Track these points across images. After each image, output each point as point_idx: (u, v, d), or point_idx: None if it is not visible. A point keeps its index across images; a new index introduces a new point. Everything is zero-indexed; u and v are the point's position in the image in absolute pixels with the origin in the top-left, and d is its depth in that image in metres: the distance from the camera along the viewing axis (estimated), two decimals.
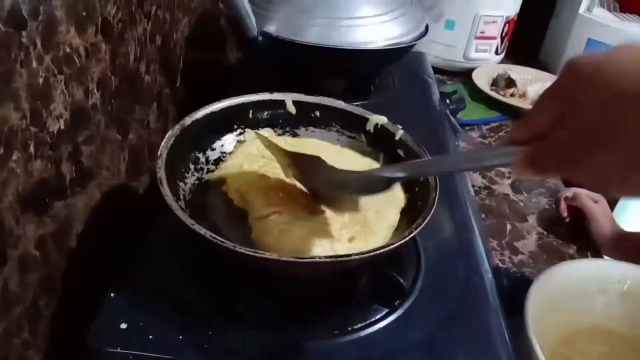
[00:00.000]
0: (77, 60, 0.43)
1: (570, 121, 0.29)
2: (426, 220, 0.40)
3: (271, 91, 0.54)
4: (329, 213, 0.45)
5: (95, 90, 0.47)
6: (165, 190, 0.39)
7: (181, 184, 0.46)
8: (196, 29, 0.73)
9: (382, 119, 0.53)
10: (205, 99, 0.51)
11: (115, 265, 0.43)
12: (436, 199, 0.42)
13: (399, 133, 0.51)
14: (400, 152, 0.51)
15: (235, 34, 0.71)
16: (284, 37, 0.63)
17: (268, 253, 0.36)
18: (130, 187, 0.58)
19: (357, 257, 0.39)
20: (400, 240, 0.39)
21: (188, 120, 0.47)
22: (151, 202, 0.57)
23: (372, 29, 0.67)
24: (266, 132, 0.54)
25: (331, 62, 0.67)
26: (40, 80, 0.38)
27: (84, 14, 0.43)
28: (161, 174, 0.41)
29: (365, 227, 0.45)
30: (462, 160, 0.43)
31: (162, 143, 0.43)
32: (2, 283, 0.37)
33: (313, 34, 0.64)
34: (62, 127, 0.42)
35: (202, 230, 0.36)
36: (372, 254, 0.39)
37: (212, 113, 0.50)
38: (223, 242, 0.36)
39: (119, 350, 0.37)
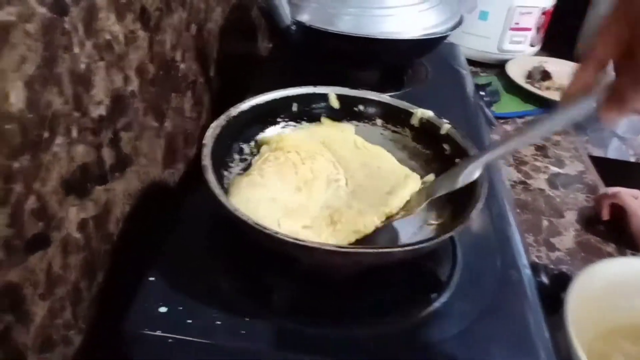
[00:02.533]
0: (116, 47, 0.43)
1: None
2: (471, 217, 0.39)
3: (314, 84, 0.54)
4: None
5: (134, 77, 0.47)
6: (210, 177, 0.40)
7: (225, 173, 0.47)
8: (229, 19, 0.74)
9: (428, 113, 0.52)
10: (237, 88, 0.51)
11: (153, 250, 0.44)
12: (483, 194, 0.42)
13: (445, 127, 0.50)
14: (446, 146, 0.50)
15: (269, 23, 0.71)
16: (317, 26, 0.63)
17: (308, 241, 0.36)
18: (166, 174, 0.58)
19: (399, 249, 0.39)
20: (444, 236, 0.39)
21: (234, 111, 0.48)
22: (187, 189, 0.57)
23: (406, 19, 0.66)
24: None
25: (364, 51, 0.66)
26: (82, 66, 0.39)
27: (124, 1, 0.43)
28: (206, 161, 0.41)
29: None
30: (549, 124, 0.38)
31: (208, 132, 0.44)
32: (47, 264, 0.38)
33: (346, 23, 0.64)
34: (103, 113, 0.42)
35: (245, 217, 0.37)
36: (415, 247, 0.38)
37: (258, 105, 0.50)
38: (265, 228, 0.36)
39: (158, 333, 0.37)
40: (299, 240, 0.36)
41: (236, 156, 0.50)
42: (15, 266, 0.34)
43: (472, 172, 0.42)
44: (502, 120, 1.02)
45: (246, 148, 0.51)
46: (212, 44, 0.69)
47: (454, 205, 0.45)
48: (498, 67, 1.21)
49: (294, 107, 0.53)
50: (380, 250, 0.39)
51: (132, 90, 0.47)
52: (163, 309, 0.39)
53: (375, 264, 0.42)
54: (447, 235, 0.39)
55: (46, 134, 0.35)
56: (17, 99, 0.32)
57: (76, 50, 0.37)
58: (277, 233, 0.36)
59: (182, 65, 0.59)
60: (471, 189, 0.43)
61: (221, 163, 0.46)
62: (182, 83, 0.60)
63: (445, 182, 0.43)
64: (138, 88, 0.48)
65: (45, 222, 0.37)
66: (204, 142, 0.43)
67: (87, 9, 0.38)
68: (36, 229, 0.36)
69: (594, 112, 0.32)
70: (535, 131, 0.39)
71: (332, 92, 0.54)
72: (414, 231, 0.46)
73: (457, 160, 0.48)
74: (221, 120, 0.47)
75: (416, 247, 0.38)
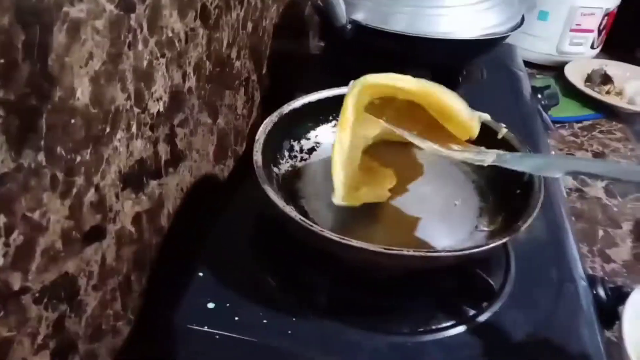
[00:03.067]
0: (177, 44, 0.44)
1: None
2: (527, 224, 0.38)
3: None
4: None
5: (192, 74, 0.48)
6: (260, 172, 0.40)
7: (275, 169, 0.47)
8: (283, 17, 0.74)
9: (484, 116, 0.50)
10: (287, 87, 0.51)
11: (202, 245, 0.44)
12: (540, 201, 0.40)
13: (503, 131, 0.49)
14: (502, 151, 0.48)
15: (324, 21, 0.71)
16: (372, 25, 0.62)
17: (354, 240, 0.36)
18: (216, 170, 0.59)
19: (447, 254, 0.38)
20: (495, 242, 0.37)
21: (286, 109, 0.48)
22: (236, 185, 0.58)
23: (464, 18, 0.64)
24: None
25: (419, 51, 0.65)
26: (145, 62, 0.40)
27: None
28: (257, 157, 0.41)
29: None
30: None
31: (260, 128, 0.44)
32: (101, 256, 0.39)
33: (401, 23, 0.63)
34: (161, 109, 0.43)
35: (292, 213, 0.37)
36: (463, 252, 0.37)
37: (310, 103, 0.50)
38: (311, 225, 0.36)
39: (205, 329, 0.38)
40: (344, 239, 0.36)
41: (286, 153, 0.50)
42: (72, 257, 0.35)
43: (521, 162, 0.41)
44: (558, 125, 0.99)
45: (296, 146, 0.51)
46: (266, 42, 0.69)
47: (508, 212, 0.44)
48: (556, 69, 1.16)
49: None
50: (428, 254, 0.38)
51: (189, 87, 0.48)
52: (211, 305, 0.39)
53: (422, 268, 0.41)
54: (498, 243, 0.38)
55: (108, 129, 0.36)
56: (82, 94, 0.33)
57: (140, 47, 0.38)
58: (322, 231, 0.36)
59: (236, 63, 0.59)
60: (526, 195, 0.42)
61: (272, 159, 0.47)
62: (236, 80, 0.61)
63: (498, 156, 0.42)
64: (195, 85, 0.49)
65: (103, 215, 0.38)
66: (257, 137, 0.44)
67: (152, 6, 0.39)
68: (94, 221, 0.37)
69: None
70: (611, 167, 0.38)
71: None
72: (464, 237, 0.45)
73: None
74: (274, 117, 0.47)
75: (465, 252, 0.37)
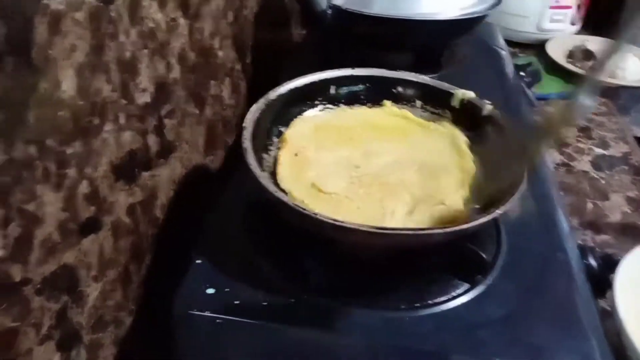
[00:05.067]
0: (159, 35, 0.44)
1: None
2: (513, 200, 0.39)
3: (352, 67, 0.53)
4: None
5: (176, 65, 0.48)
6: (250, 159, 0.40)
7: (265, 156, 0.47)
8: (263, 6, 0.74)
9: (469, 94, 0.51)
10: (271, 75, 0.51)
11: (198, 233, 0.45)
12: (525, 176, 0.41)
13: (487, 108, 0.49)
14: (489, 128, 0.49)
15: (304, 8, 0.71)
16: (352, 9, 0.62)
17: (347, 222, 0.36)
18: (207, 160, 0.59)
19: (439, 231, 0.38)
20: (487, 217, 0.38)
21: (272, 95, 0.48)
22: (227, 175, 0.58)
23: None
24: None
25: (400, 33, 0.65)
26: (128, 53, 0.40)
27: None
28: (247, 144, 0.41)
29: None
30: None
31: (248, 115, 0.44)
32: (99, 247, 0.39)
33: (381, 5, 0.63)
34: (148, 100, 0.43)
35: (285, 198, 0.37)
36: (455, 229, 0.38)
37: (296, 88, 0.50)
38: (304, 209, 0.36)
39: (207, 314, 0.38)
40: (337, 221, 0.36)
41: (275, 139, 0.50)
42: (70, 248, 0.36)
43: None
44: (543, 101, 1.00)
45: (285, 131, 0.51)
46: (248, 31, 0.69)
47: (496, 188, 0.45)
48: (536, 47, 1.17)
49: (332, 90, 0.53)
50: (420, 231, 0.38)
51: (174, 78, 0.48)
52: (210, 291, 0.39)
53: (415, 246, 0.42)
54: (488, 218, 0.38)
55: (96, 121, 0.36)
56: (68, 86, 0.33)
57: (122, 38, 0.38)
58: (315, 214, 0.36)
59: (220, 53, 0.59)
60: (513, 170, 0.43)
61: (261, 146, 0.47)
62: (221, 70, 0.61)
63: None
64: (179, 75, 0.49)
65: (97, 206, 0.38)
66: (244, 125, 0.44)
67: None
68: (89, 212, 0.37)
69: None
70: None
71: (371, 74, 0.53)
72: None
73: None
74: (260, 104, 0.47)
75: (456, 229, 0.38)
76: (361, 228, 0.36)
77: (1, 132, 0.28)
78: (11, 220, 0.29)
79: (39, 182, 0.31)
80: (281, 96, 0.49)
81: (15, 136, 0.29)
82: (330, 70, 0.53)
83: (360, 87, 0.54)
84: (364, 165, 0.47)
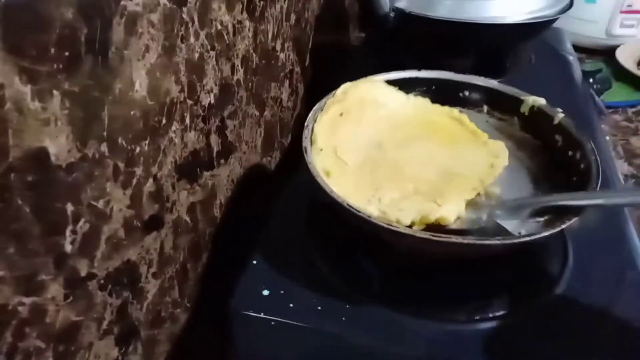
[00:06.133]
0: (226, 37, 0.45)
1: None
2: (582, 213, 0.37)
3: (418, 68, 0.53)
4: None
5: (240, 67, 0.48)
6: (310, 158, 0.40)
7: None
8: (324, 8, 0.74)
9: (540, 101, 0.49)
10: (329, 78, 0.51)
11: (257, 234, 0.45)
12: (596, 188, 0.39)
13: (559, 117, 0.47)
14: (558, 138, 0.47)
15: (367, 10, 0.70)
16: (416, 12, 0.61)
17: (402, 227, 0.36)
18: (264, 161, 0.60)
19: (498, 243, 0.37)
20: (548, 231, 0.36)
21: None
22: (283, 176, 0.59)
23: (510, 2, 0.63)
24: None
25: (465, 37, 0.64)
26: (196, 55, 0.40)
27: None
28: (306, 143, 0.41)
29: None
30: None
31: (310, 115, 0.44)
32: (160, 245, 0.40)
33: (445, 9, 0.62)
34: (212, 101, 0.44)
35: (340, 199, 0.37)
36: (514, 241, 0.36)
37: None
38: (359, 211, 0.36)
39: (262, 315, 0.38)
40: (392, 226, 0.35)
41: None
42: (133, 245, 0.37)
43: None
44: (610, 110, 0.95)
45: None
46: (308, 33, 0.69)
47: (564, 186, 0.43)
48: (605, 53, 1.12)
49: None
50: (476, 242, 0.37)
51: (237, 80, 0.48)
52: (266, 292, 0.40)
53: (472, 256, 0.40)
54: (552, 232, 0.36)
55: (164, 121, 0.37)
56: (140, 86, 0.34)
57: (192, 40, 0.39)
58: (370, 217, 0.36)
59: (281, 55, 0.60)
60: (583, 182, 0.41)
61: None
62: (281, 72, 0.61)
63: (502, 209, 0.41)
64: (243, 77, 0.50)
65: (160, 204, 0.39)
66: (305, 123, 0.44)
67: (203, 0, 0.40)
68: (152, 210, 0.38)
69: None
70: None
71: (438, 76, 0.52)
72: (518, 224, 0.44)
73: (569, 152, 0.45)
74: (322, 103, 0.47)
75: (515, 241, 0.36)
76: (415, 234, 0.36)
77: (77, 130, 0.29)
78: (81, 217, 0.30)
79: (108, 179, 0.32)
80: None
81: (89, 134, 0.30)
82: (394, 72, 0.52)
83: (424, 89, 0.52)
84: (389, 150, 0.46)
